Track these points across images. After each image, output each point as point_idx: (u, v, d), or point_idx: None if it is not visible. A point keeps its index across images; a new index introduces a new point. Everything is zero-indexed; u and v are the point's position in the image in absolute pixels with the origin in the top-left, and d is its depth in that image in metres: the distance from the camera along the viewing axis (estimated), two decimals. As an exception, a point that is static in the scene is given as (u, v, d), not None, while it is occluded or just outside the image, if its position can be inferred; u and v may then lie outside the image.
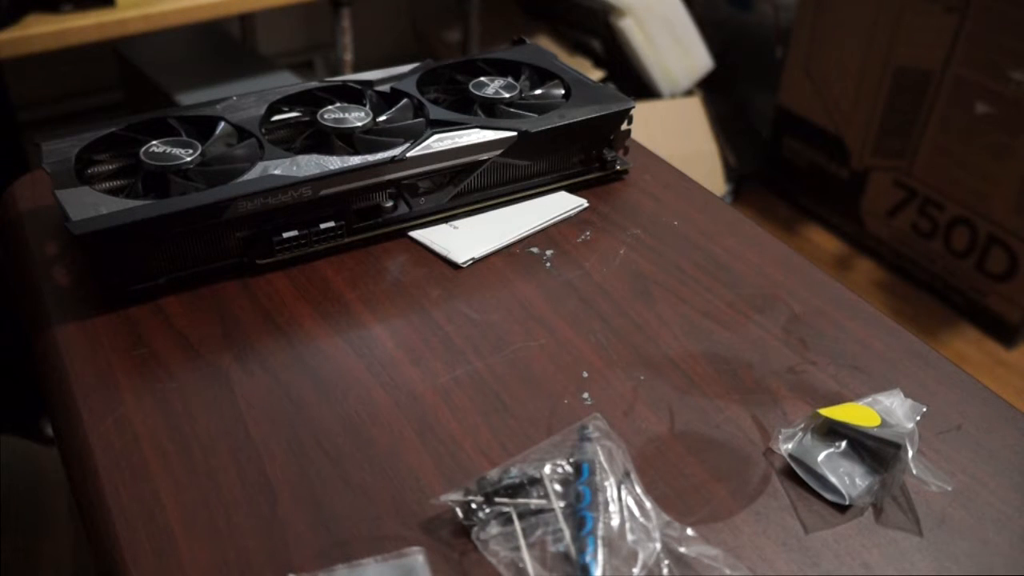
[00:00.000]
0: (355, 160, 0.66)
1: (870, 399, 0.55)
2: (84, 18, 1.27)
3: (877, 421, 0.52)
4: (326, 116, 0.70)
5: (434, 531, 0.47)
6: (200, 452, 0.51)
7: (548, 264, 0.68)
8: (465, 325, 0.62)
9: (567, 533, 0.46)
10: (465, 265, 0.68)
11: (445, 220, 0.72)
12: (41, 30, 1.24)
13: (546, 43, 2.05)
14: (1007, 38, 1.60)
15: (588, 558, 0.44)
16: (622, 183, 0.79)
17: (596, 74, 2.00)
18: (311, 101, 0.75)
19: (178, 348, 0.59)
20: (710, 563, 0.46)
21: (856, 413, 0.53)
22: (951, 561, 0.48)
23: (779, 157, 2.12)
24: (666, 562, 0.45)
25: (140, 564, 0.45)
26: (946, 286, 1.82)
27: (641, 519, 0.47)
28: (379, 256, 0.68)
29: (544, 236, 0.72)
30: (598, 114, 0.75)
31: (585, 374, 0.58)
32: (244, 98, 0.73)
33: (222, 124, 0.70)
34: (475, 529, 0.47)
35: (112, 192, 0.63)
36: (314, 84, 0.76)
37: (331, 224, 0.66)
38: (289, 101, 0.75)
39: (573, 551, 0.45)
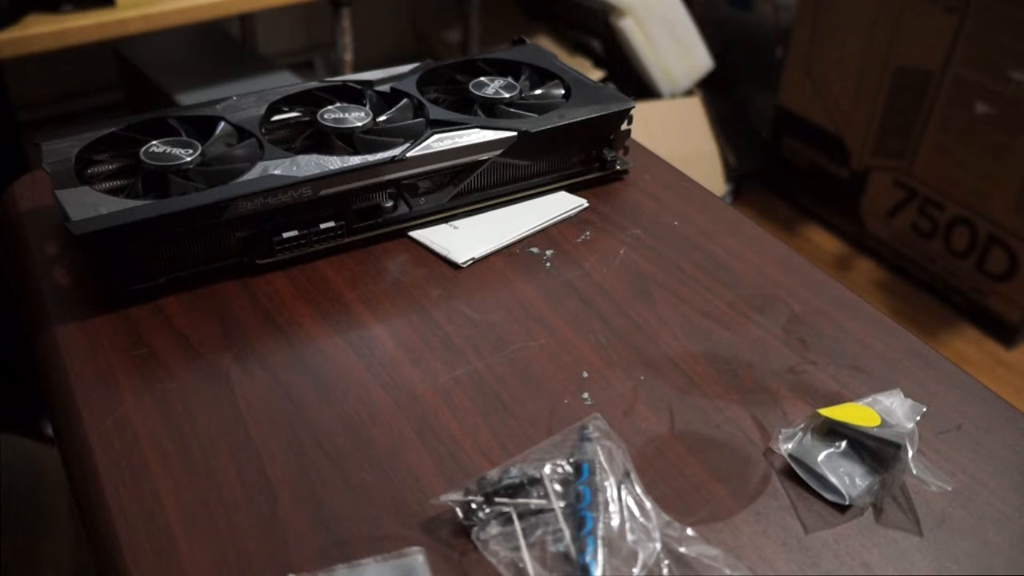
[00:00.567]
0: (355, 160, 0.66)
1: (870, 399, 0.55)
2: (84, 18, 1.27)
3: (877, 421, 0.52)
4: (326, 116, 0.70)
5: (434, 531, 0.47)
6: (200, 452, 0.51)
7: (548, 264, 0.68)
8: (465, 325, 0.62)
9: (567, 533, 0.46)
10: (465, 265, 0.68)
11: (445, 220, 0.72)
12: (41, 30, 1.24)
13: (546, 43, 2.05)
14: (1007, 38, 1.60)
15: (588, 558, 0.44)
16: (622, 183, 0.79)
17: (596, 74, 2.00)
18: (311, 101, 0.75)
19: (178, 348, 0.59)
20: (710, 563, 0.46)
21: (856, 413, 0.53)
22: (951, 561, 0.48)
23: (779, 157, 2.12)
24: (666, 562, 0.45)
25: (140, 564, 0.45)
26: (946, 286, 1.82)
27: (641, 519, 0.47)
28: (379, 256, 0.68)
29: (544, 236, 0.72)
30: (598, 114, 0.75)
31: (585, 374, 0.58)
32: (244, 98, 0.73)
33: (222, 124, 0.70)
34: (475, 529, 0.47)
35: (112, 192, 0.63)
36: (314, 84, 0.76)
37: (331, 224, 0.66)
38: (289, 101, 0.75)
39: (573, 551, 0.45)
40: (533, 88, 0.79)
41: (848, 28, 1.87)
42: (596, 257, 0.69)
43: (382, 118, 0.72)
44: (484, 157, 0.71)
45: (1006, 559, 0.48)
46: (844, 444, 0.52)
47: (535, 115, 0.74)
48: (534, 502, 0.47)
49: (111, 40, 1.32)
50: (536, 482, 0.48)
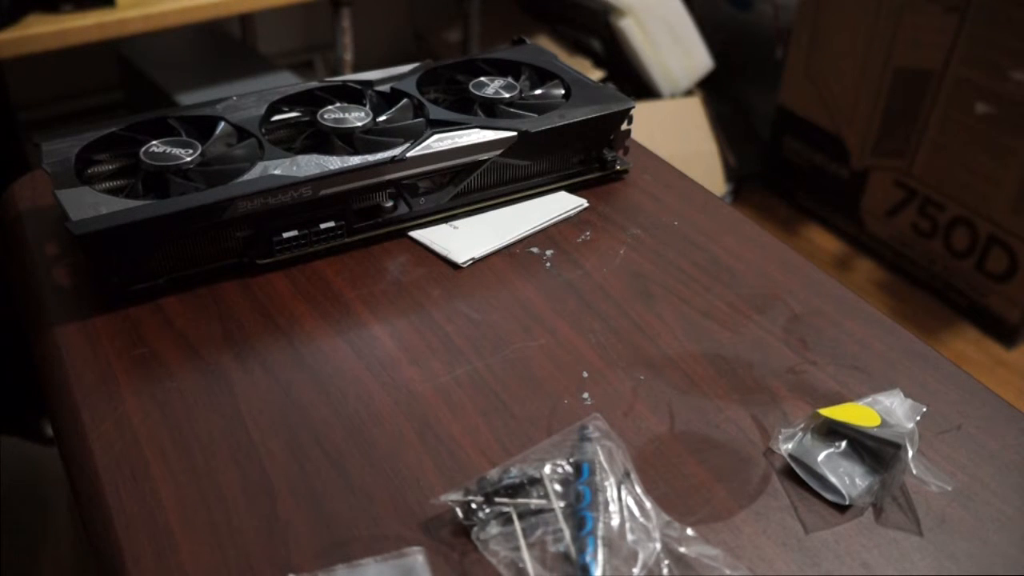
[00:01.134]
0: (355, 160, 0.66)
1: (870, 399, 0.55)
2: (84, 18, 1.27)
3: (877, 421, 0.52)
4: (326, 116, 0.70)
5: (434, 531, 0.47)
6: (200, 452, 0.51)
7: (548, 264, 0.68)
8: (465, 325, 0.62)
9: (567, 533, 0.46)
10: (465, 265, 0.68)
11: (445, 220, 0.72)
12: (41, 30, 1.24)
13: (546, 43, 2.05)
14: (1007, 38, 1.60)
15: (588, 558, 0.44)
16: (622, 183, 0.79)
17: (596, 74, 2.00)
18: (311, 101, 0.75)
19: (178, 348, 0.59)
20: (710, 563, 0.46)
21: (856, 413, 0.53)
22: (951, 561, 0.48)
23: (779, 157, 2.12)
24: (666, 562, 0.45)
25: (140, 564, 0.45)
26: (946, 286, 1.82)
27: (641, 519, 0.47)
28: (379, 256, 0.68)
29: (544, 236, 0.72)
30: (598, 114, 0.75)
31: (585, 374, 0.58)
32: (244, 98, 0.73)
33: (222, 124, 0.70)
34: (475, 529, 0.47)
35: (112, 192, 0.63)
36: (314, 84, 0.76)
37: (331, 224, 0.66)
38: (289, 101, 0.75)
39: (573, 551, 0.45)
40: (533, 88, 0.79)
41: (848, 28, 1.87)
42: (596, 257, 0.69)
43: (382, 118, 0.72)
44: (484, 157, 0.71)
45: (1006, 559, 0.48)
46: (844, 444, 0.52)
47: (535, 115, 0.74)
48: (534, 502, 0.47)
49: (111, 40, 1.32)
50: (536, 482, 0.48)
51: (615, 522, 0.46)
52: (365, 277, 0.66)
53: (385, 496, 0.49)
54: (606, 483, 0.48)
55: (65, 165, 0.64)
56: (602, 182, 0.79)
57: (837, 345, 0.62)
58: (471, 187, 0.72)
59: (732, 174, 2.07)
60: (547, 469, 0.49)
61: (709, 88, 2.11)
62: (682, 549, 0.46)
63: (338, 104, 0.72)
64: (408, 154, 0.67)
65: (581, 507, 0.47)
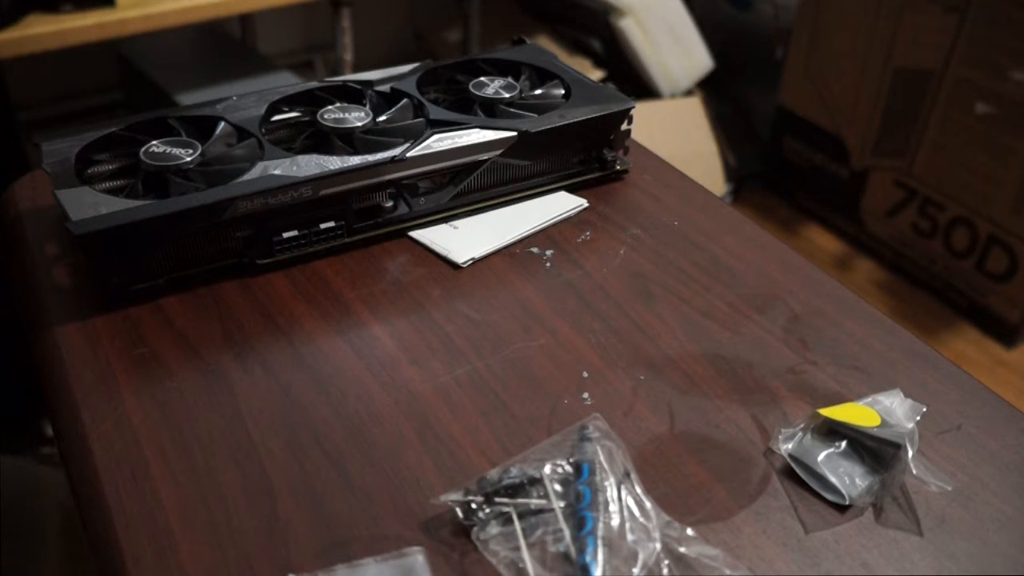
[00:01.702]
0: (355, 160, 0.66)
1: (870, 399, 0.55)
2: (84, 18, 1.27)
3: (877, 421, 0.52)
4: (326, 116, 0.70)
5: (434, 531, 0.47)
6: (200, 452, 0.51)
7: (548, 264, 0.68)
8: (465, 325, 0.62)
9: (567, 533, 0.46)
10: (465, 265, 0.68)
11: (445, 220, 0.72)
12: (41, 30, 1.24)
13: (546, 43, 2.05)
14: (1007, 38, 1.60)
15: (588, 558, 0.44)
16: (622, 183, 0.79)
17: (596, 74, 2.00)
18: (311, 101, 0.75)
19: (178, 348, 0.59)
20: (710, 563, 0.45)
21: (856, 413, 0.53)
22: (951, 561, 0.48)
23: (779, 157, 2.12)
24: (666, 562, 0.45)
25: (140, 564, 0.45)
26: (946, 286, 1.82)
27: (641, 519, 0.47)
28: (379, 256, 0.68)
29: (544, 236, 0.72)
30: (598, 114, 0.75)
31: (585, 374, 0.58)
32: (244, 98, 0.73)
33: (222, 124, 0.70)
34: (475, 529, 0.47)
35: (112, 192, 0.63)
36: (314, 84, 0.76)
37: (331, 224, 0.66)
38: (289, 101, 0.75)
39: (573, 551, 0.45)
40: (533, 88, 0.79)
41: (848, 28, 1.87)
42: (596, 257, 0.69)
43: (382, 118, 0.72)
44: (484, 157, 0.71)
45: (1006, 559, 0.48)
46: (844, 444, 0.52)
47: (535, 115, 0.74)
48: (534, 502, 0.47)
49: (111, 40, 1.32)
50: (536, 482, 0.48)
51: (615, 522, 0.46)
52: (365, 277, 0.66)
53: (385, 496, 0.49)
54: (606, 483, 0.48)
55: (65, 165, 0.64)
56: (602, 182, 0.79)
57: (837, 345, 0.62)
58: (471, 187, 0.72)
59: (732, 174, 2.07)
60: (547, 469, 0.49)
61: (709, 88, 2.11)
62: (682, 549, 0.46)
63: (338, 104, 0.72)
64: (408, 154, 0.67)
65: (581, 507, 0.47)
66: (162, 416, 0.54)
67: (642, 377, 0.58)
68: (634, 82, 2.01)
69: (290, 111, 0.74)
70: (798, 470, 0.52)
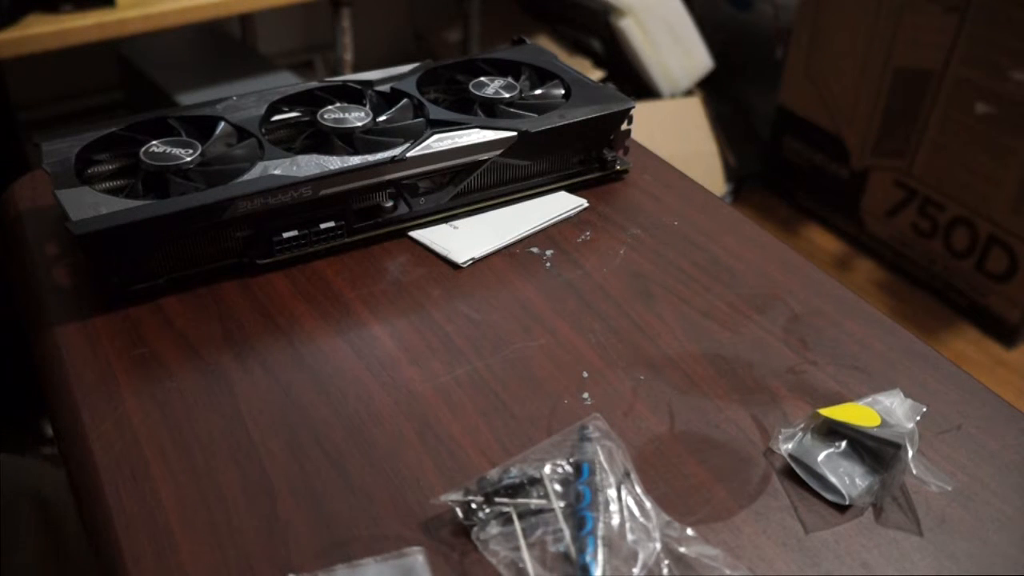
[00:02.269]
0: (355, 160, 0.66)
1: (870, 399, 0.55)
2: (84, 18, 1.27)
3: (877, 421, 0.52)
4: (326, 116, 0.70)
5: (434, 531, 0.47)
6: (200, 452, 0.51)
7: (548, 264, 0.68)
8: (465, 325, 0.62)
9: (567, 533, 0.46)
10: (465, 265, 0.68)
11: (445, 220, 0.72)
12: (41, 30, 1.24)
13: (546, 43, 2.05)
14: (1007, 38, 1.60)
15: (588, 558, 0.44)
16: (622, 183, 0.79)
17: (596, 74, 2.00)
18: (311, 101, 0.75)
19: (178, 348, 0.59)
20: (710, 563, 0.45)
21: (856, 413, 0.53)
22: (951, 561, 0.48)
23: (779, 157, 2.12)
24: (666, 562, 0.45)
25: (140, 564, 0.45)
26: (946, 286, 1.82)
27: (641, 519, 0.47)
28: (379, 256, 0.68)
29: (544, 236, 0.72)
30: (598, 114, 0.75)
31: (585, 374, 0.58)
32: (244, 98, 0.73)
33: (222, 124, 0.70)
34: (475, 529, 0.47)
35: (112, 192, 0.63)
36: (314, 84, 0.76)
37: (331, 224, 0.66)
38: (289, 101, 0.75)
39: (573, 551, 0.45)
40: (533, 88, 0.79)
41: (848, 28, 1.87)
42: (596, 257, 0.69)
43: (382, 118, 0.72)
44: (484, 157, 0.71)
45: (1006, 559, 0.48)
46: (844, 444, 0.52)
47: (535, 115, 0.74)
48: (534, 502, 0.47)
49: (111, 40, 1.32)
50: (536, 482, 0.48)
51: (615, 522, 0.46)
52: (365, 277, 0.66)
53: (385, 496, 0.49)
54: (606, 483, 0.48)
55: (65, 165, 0.64)
56: (602, 182, 0.79)
57: (837, 345, 0.62)
58: (471, 187, 0.72)
59: (732, 174, 2.07)
60: (547, 469, 0.49)
61: (709, 88, 2.11)
62: (682, 549, 0.46)
63: (338, 104, 0.72)
64: (408, 154, 0.67)
65: (581, 507, 0.47)
66: (162, 416, 0.54)
67: (642, 377, 0.58)
68: (634, 82, 2.01)
69: (290, 111, 0.74)
70: (798, 470, 0.52)
